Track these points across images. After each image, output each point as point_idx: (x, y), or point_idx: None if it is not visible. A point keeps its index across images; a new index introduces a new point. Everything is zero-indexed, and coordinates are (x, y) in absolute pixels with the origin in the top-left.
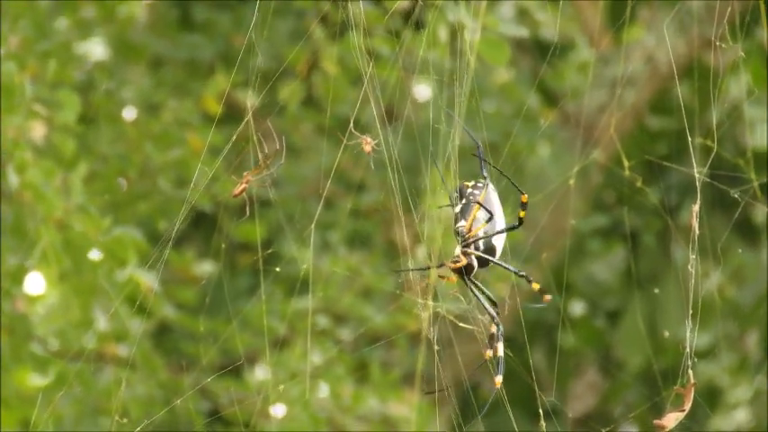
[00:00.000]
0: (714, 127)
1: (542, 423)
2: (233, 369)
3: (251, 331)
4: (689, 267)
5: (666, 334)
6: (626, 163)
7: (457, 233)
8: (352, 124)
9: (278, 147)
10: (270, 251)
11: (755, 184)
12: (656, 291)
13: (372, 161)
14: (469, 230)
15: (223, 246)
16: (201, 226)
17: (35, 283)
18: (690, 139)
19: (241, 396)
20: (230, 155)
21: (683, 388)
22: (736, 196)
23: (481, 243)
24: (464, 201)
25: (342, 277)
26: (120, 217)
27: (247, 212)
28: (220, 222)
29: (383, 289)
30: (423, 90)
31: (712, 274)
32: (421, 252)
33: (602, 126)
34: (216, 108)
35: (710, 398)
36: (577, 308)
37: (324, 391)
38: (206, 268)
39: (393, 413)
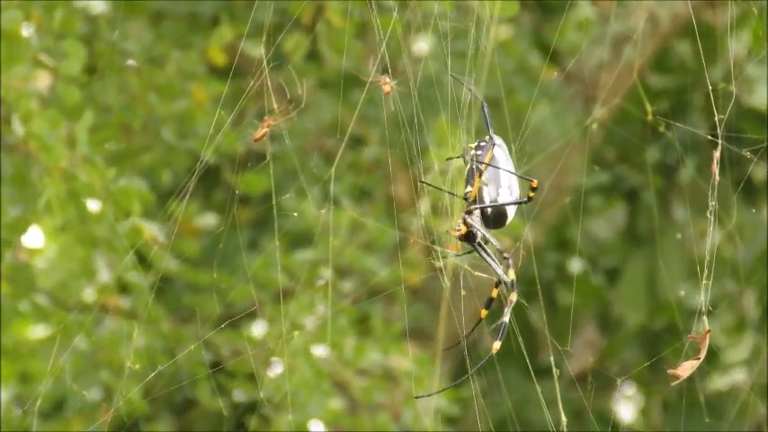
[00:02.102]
0: (726, 79)
1: (554, 369)
2: (236, 322)
3: (254, 284)
4: (707, 214)
5: (682, 293)
6: (649, 108)
7: (465, 198)
8: (371, 65)
9: (288, 96)
10: (278, 201)
11: None
12: (658, 247)
13: (373, 118)
14: (473, 198)
15: (236, 192)
16: (204, 178)
17: (35, 236)
18: (710, 86)
19: (243, 348)
20: (234, 107)
21: (698, 336)
22: (746, 154)
23: (488, 209)
24: (468, 165)
25: (344, 230)
26: (123, 168)
27: (260, 165)
28: (224, 173)
29: (385, 243)
30: (424, 45)
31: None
32: (424, 205)
33: (603, 84)
34: (221, 59)
35: (708, 357)
36: (577, 265)
37: (326, 344)
38: (209, 221)
39: (394, 366)
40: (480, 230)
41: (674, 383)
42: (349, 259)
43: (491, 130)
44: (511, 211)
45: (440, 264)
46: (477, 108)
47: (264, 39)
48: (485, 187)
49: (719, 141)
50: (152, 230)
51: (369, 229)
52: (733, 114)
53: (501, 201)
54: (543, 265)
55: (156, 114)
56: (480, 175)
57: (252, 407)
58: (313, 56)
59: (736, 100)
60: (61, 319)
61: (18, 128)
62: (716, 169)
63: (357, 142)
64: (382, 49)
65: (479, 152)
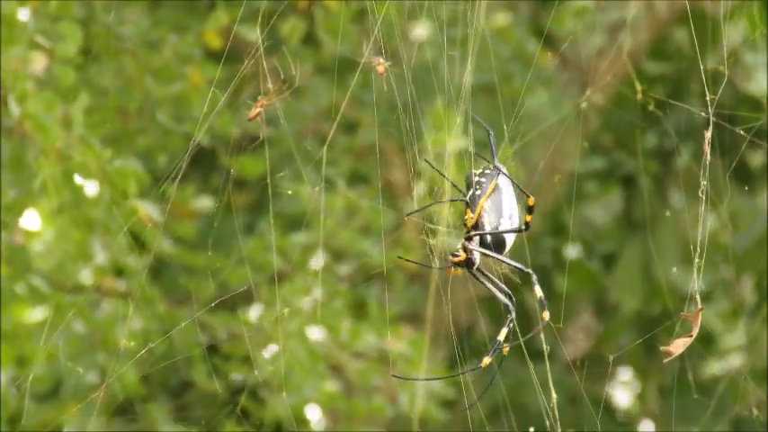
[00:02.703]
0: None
1: (545, 347)
2: (231, 304)
3: (249, 266)
4: (699, 193)
5: (674, 270)
6: (639, 87)
7: (464, 224)
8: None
9: (282, 77)
10: (273, 179)
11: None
12: (653, 233)
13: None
14: (474, 224)
15: (231, 171)
16: (200, 162)
17: (31, 219)
18: (702, 66)
19: (239, 330)
20: (231, 90)
21: (691, 314)
22: (740, 132)
23: (488, 236)
24: (471, 191)
25: (340, 213)
26: (119, 151)
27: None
28: (220, 157)
29: (381, 226)
30: (422, 31)
31: (709, 219)
32: (420, 188)
33: (599, 70)
34: (216, 43)
35: (705, 343)
36: (573, 251)
37: (319, 326)
38: (205, 203)
39: (390, 349)
40: (487, 253)
41: (666, 360)
42: (344, 242)
43: (496, 159)
44: (509, 240)
45: (432, 241)
46: (473, 94)
47: (260, 21)
48: (485, 215)
49: (711, 118)
50: (148, 210)
51: (364, 213)
52: (727, 96)
53: (500, 229)
54: (539, 251)
55: (152, 97)
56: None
57: (248, 389)
58: (309, 40)
59: (733, 87)
60: (57, 300)
61: (14, 109)
62: (707, 149)
63: (353, 127)
64: (376, 31)
65: (483, 179)
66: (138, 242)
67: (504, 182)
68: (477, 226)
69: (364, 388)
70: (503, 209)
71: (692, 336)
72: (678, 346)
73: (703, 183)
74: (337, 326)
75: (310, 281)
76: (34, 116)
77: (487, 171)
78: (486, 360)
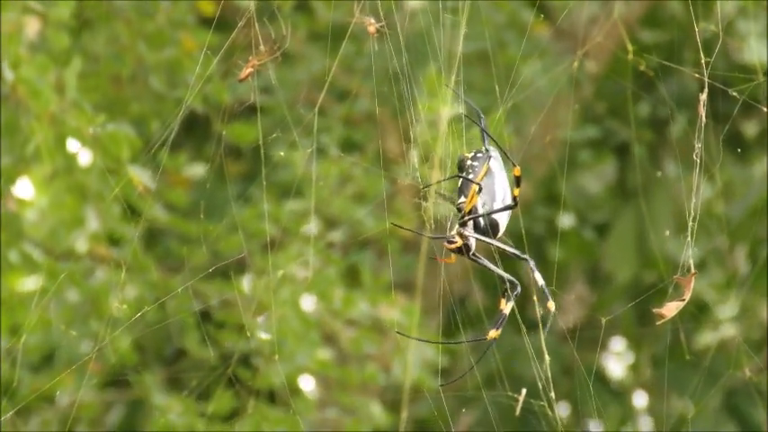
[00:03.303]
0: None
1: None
2: (225, 272)
3: (242, 234)
4: (693, 156)
5: (667, 233)
6: (630, 47)
7: (458, 209)
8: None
9: (275, 42)
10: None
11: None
12: (646, 203)
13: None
14: (468, 209)
15: (223, 134)
16: (193, 131)
17: (25, 187)
18: (697, 27)
19: (232, 298)
20: (223, 57)
21: (684, 278)
22: (735, 94)
23: (481, 219)
24: (464, 174)
25: (334, 181)
26: (112, 117)
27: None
28: (213, 125)
29: (375, 194)
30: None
31: (703, 188)
32: (414, 156)
33: (593, 37)
34: (209, 9)
35: (698, 313)
36: (566, 220)
37: (314, 295)
38: (197, 171)
39: (383, 317)
40: (484, 239)
41: (659, 323)
42: (337, 210)
43: (486, 141)
44: (503, 222)
45: (424, 203)
46: (467, 62)
47: None
48: (479, 199)
49: (705, 80)
50: (141, 176)
51: (357, 180)
52: (721, 65)
53: (493, 215)
54: (532, 220)
55: (145, 63)
56: (480, 191)
57: (241, 357)
58: (303, 7)
59: (727, 56)
60: (50, 268)
61: (7, 73)
62: (702, 111)
63: (346, 95)
64: None
65: (475, 163)
66: (131, 210)
67: (496, 166)
68: (470, 210)
69: (357, 356)
70: (495, 192)
71: (684, 299)
72: (671, 309)
73: (698, 146)
74: (330, 294)
75: (303, 248)
76: (27, 80)
77: (479, 155)
78: (493, 333)
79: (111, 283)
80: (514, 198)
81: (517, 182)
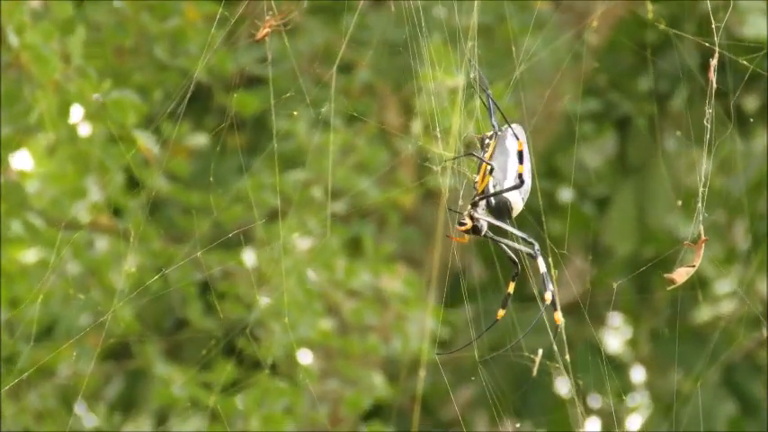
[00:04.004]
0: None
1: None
2: (227, 243)
3: (245, 204)
4: (704, 122)
5: (679, 203)
6: (650, 6)
7: (474, 188)
8: None
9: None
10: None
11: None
12: (647, 178)
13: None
14: (481, 189)
15: (231, 104)
16: (196, 102)
17: (26, 159)
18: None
19: (234, 269)
20: (226, 28)
21: (694, 244)
22: (745, 62)
23: (492, 199)
24: (478, 154)
25: (336, 152)
26: (116, 87)
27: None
28: (216, 95)
29: (377, 164)
30: None
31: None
32: (416, 126)
33: (594, 11)
34: None
35: (697, 288)
36: (566, 194)
37: (317, 265)
38: (200, 140)
39: (385, 287)
40: (493, 221)
41: (669, 288)
42: (340, 180)
43: (494, 119)
44: (516, 202)
45: (436, 168)
46: (466, 32)
47: None
48: (492, 178)
49: (716, 45)
50: (147, 142)
51: (360, 150)
52: (723, 40)
53: (507, 195)
54: (532, 193)
55: (148, 33)
56: (491, 171)
57: (243, 328)
58: None
59: (729, 33)
60: (52, 238)
61: (12, 39)
62: (713, 76)
63: (349, 67)
64: None
65: (490, 141)
66: (135, 179)
67: (512, 144)
68: (482, 191)
69: (359, 327)
70: (508, 171)
71: (694, 265)
72: (681, 274)
73: (708, 111)
74: (333, 264)
75: (307, 218)
76: (32, 46)
77: (498, 133)
78: (501, 312)
79: (113, 254)
80: (520, 176)
81: (520, 158)
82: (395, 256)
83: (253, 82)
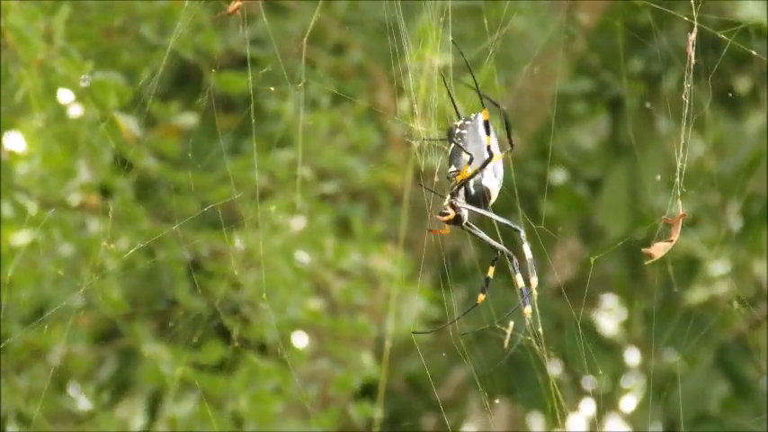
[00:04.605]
0: None
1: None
2: (215, 222)
3: (235, 185)
4: (683, 97)
5: (659, 178)
6: None
7: (448, 178)
8: None
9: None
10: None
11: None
12: (639, 158)
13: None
14: (460, 180)
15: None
16: (184, 82)
17: (16, 140)
18: None
19: (223, 248)
20: (214, 9)
21: (672, 219)
22: (723, 36)
23: (472, 188)
24: (452, 143)
25: (325, 132)
26: (102, 67)
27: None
28: (204, 75)
29: (366, 144)
30: None
31: (695, 143)
32: (404, 105)
33: None
34: None
35: (690, 269)
36: (559, 175)
37: (305, 245)
38: (188, 120)
39: (375, 267)
40: (475, 210)
41: (647, 262)
42: (329, 160)
43: (491, 132)
44: (492, 187)
45: (414, 143)
46: (459, 15)
47: None
48: (470, 167)
49: (695, 20)
50: (128, 125)
51: (348, 131)
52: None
53: (484, 182)
54: (524, 175)
55: (135, 13)
56: (470, 162)
57: (231, 308)
58: None
59: (721, 14)
60: (41, 218)
61: None
62: (691, 52)
63: (338, 48)
64: None
65: (464, 131)
66: (122, 159)
67: (483, 132)
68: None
69: (348, 307)
70: (484, 158)
71: (672, 240)
72: (659, 249)
73: (687, 86)
74: (322, 243)
75: (294, 198)
76: (16, 27)
77: (468, 122)
78: (481, 297)
79: (102, 235)
80: (488, 148)
81: (486, 128)
82: (385, 235)
83: (243, 63)
